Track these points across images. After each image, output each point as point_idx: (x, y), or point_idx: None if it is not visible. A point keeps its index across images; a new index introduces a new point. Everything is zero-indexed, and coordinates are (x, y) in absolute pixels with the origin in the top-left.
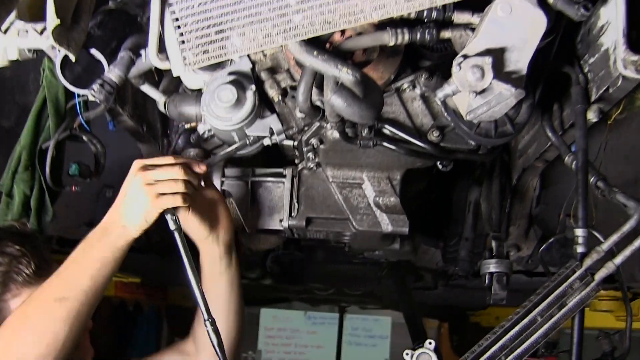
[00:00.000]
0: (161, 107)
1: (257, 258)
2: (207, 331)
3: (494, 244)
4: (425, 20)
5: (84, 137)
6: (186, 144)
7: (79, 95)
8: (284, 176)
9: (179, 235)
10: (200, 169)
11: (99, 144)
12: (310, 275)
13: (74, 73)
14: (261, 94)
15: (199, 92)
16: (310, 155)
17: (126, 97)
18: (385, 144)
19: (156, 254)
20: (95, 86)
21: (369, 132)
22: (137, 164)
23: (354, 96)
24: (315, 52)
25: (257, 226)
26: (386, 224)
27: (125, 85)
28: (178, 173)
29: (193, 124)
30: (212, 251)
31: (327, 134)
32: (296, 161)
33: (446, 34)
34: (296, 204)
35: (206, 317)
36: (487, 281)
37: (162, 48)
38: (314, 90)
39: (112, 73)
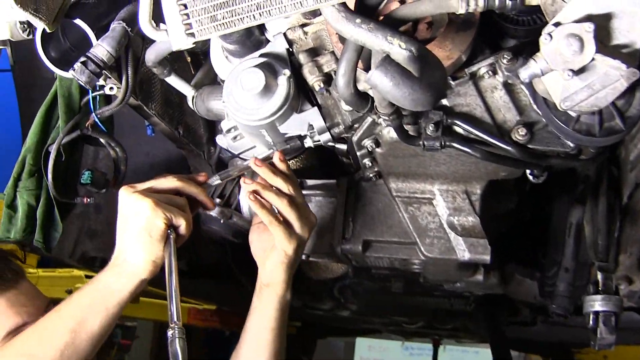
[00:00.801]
0: (190, 103)
1: (324, 287)
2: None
3: (600, 276)
4: None
5: (101, 139)
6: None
7: (94, 89)
8: (337, 189)
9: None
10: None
11: (119, 148)
12: (390, 308)
13: (61, 51)
14: (300, 82)
15: None
16: (367, 161)
17: (152, 92)
18: (456, 145)
19: (210, 278)
20: (77, 64)
21: (435, 129)
22: (127, 188)
23: (404, 72)
24: (357, 20)
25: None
26: (462, 251)
27: (150, 77)
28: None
29: None
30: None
31: (382, 132)
32: (351, 170)
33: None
34: (351, 224)
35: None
36: (591, 322)
37: (159, 15)
38: (361, 73)
39: (99, 49)
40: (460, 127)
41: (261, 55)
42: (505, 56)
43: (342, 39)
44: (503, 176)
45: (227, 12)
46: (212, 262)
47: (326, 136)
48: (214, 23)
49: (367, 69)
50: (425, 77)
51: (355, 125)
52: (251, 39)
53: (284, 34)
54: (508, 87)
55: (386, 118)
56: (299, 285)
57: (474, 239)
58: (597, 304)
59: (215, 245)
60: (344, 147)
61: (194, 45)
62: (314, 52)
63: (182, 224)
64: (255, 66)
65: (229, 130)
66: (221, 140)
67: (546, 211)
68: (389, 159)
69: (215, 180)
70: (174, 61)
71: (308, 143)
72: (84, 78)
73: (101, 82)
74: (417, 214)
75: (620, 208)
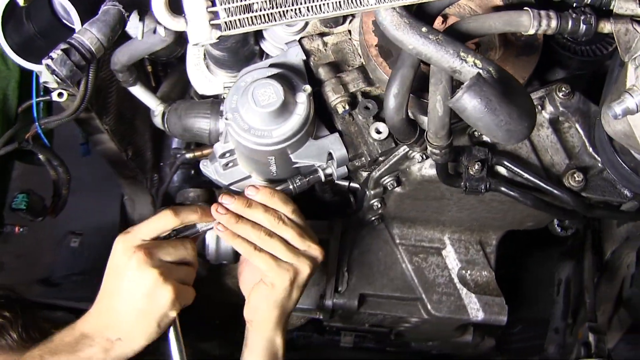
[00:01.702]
0: (158, 120)
1: None
2: None
3: (591, 337)
4: (575, 3)
5: (40, 156)
6: (184, 181)
7: (39, 94)
8: (330, 232)
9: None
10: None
11: (62, 168)
12: None
13: (23, 37)
14: (317, 102)
15: (214, 100)
16: (376, 202)
17: (109, 103)
18: (503, 188)
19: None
20: (56, 52)
21: (480, 168)
22: (127, 239)
23: (502, 96)
24: (424, 29)
25: None
26: (475, 310)
27: (107, 85)
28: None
29: (197, 153)
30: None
31: (410, 169)
32: (348, 210)
33: (606, 26)
34: (346, 274)
35: None
36: None
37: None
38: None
39: (87, 34)
40: (506, 169)
41: (272, 66)
42: (563, 89)
43: (384, 52)
44: (528, 227)
45: (265, 1)
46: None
47: (343, 169)
48: (248, 14)
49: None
50: (517, 103)
51: (381, 159)
52: (245, 47)
53: (300, 42)
54: (555, 125)
55: (436, 152)
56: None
57: (489, 296)
58: None
59: None
60: (344, 184)
61: (218, 40)
62: (336, 68)
63: (189, 302)
64: (271, 77)
65: (223, 155)
66: (207, 168)
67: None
68: (405, 201)
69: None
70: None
71: (322, 176)
72: (65, 71)
73: (52, 84)
74: (423, 266)
75: (601, 264)
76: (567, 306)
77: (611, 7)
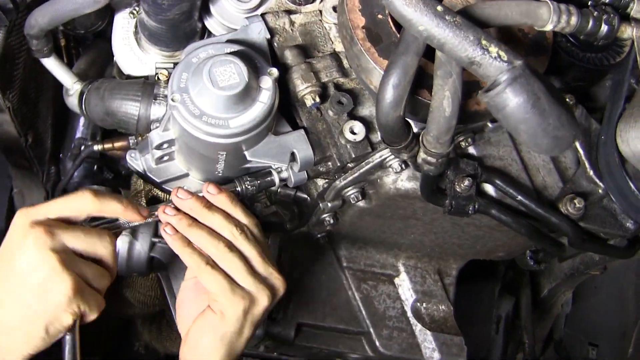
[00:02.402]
0: (72, 101)
1: None
2: None
3: None
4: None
5: None
6: (85, 177)
7: None
8: None
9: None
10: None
11: None
12: None
13: None
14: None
15: (146, 81)
16: (328, 217)
17: (15, 76)
18: (494, 212)
19: None
20: None
21: (469, 186)
22: (29, 213)
23: (552, 94)
24: (439, 8)
25: None
26: (431, 350)
27: (15, 53)
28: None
29: (107, 145)
30: None
31: (383, 180)
32: (287, 225)
33: (627, 30)
34: (283, 299)
35: None
36: None
37: None
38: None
39: None
40: (496, 188)
41: (229, 42)
42: (567, 100)
43: (372, 36)
44: (497, 257)
45: None
46: None
47: (302, 175)
48: None
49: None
50: (564, 106)
51: (350, 165)
52: (187, 22)
53: (263, 18)
54: None
55: (431, 161)
56: None
57: (447, 335)
58: None
59: None
60: (290, 192)
61: None
62: (305, 52)
63: (94, 312)
64: (233, 54)
65: (160, 146)
66: (135, 160)
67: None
68: (364, 218)
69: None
70: None
71: (276, 183)
72: None
73: None
74: (372, 295)
75: (535, 301)
76: (507, 346)
77: (628, 11)
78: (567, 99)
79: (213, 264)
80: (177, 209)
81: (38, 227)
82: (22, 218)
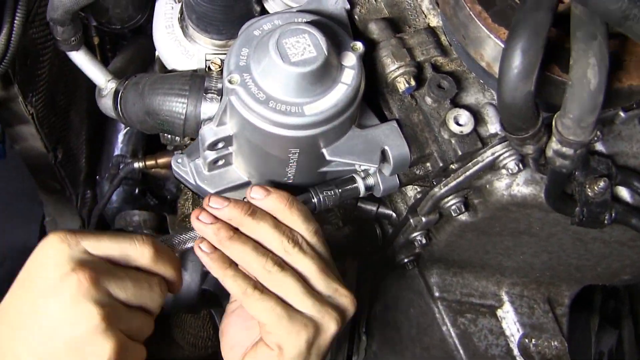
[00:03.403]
0: (107, 103)
1: None
2: None
3: None
4: None
5: None
6: (126, 201)
7: None
8: (342, 277)
9: None
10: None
11: None
12: None
13: None
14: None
15: (194, 74)
16: (419, 237)
17: (39, 75)
18: (635, 221)
19: None
20: None
21: (604, 189)
22: (68, 243)
23: None
24: None
25: None
26: None
27: (39, 48)
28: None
29: (150, 162)
30: None
31: (495, 186)
32: (368, 250)
33: None
34: (364, 338)
35: None
36: None
37: None
38: None
39: None
40: (634, 191)
41: (300, 12)
42: None
43: None
44: (621, 281)
45: None
46: None
47: (394, 181)
48: None
49: None
50: None
51: (453, 167)
52: (243, 2)
53: None
54: None
55: (568, 153)
56: None
57: None
58: None
59: None
60: (371, 207)
61: None
62: (394, 26)
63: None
64: (309, 24)
65: (214, 145)
66: (181, 167)
67: None
68: (466, 235)
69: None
70: None
71: (362, 190)
72: None
73: None
74: (471, 330)
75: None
76: None
77: None
78: None
79: (262, 289)
80: (215, 217)
81: (82, 272)
82: (57, 250)
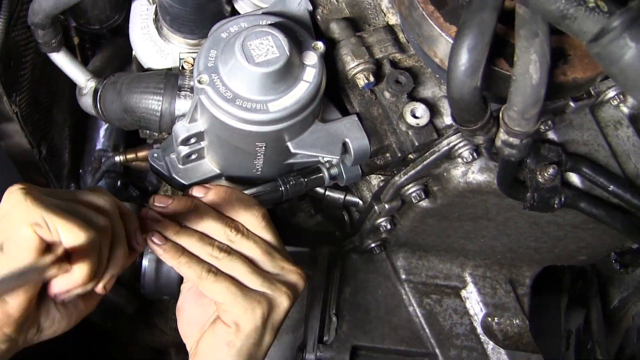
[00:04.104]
0: (87, 101)
1: None
2: None
3: None
4: None
5: None
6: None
7: None
8: (313, 263)
9: None
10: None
11: None
12: None
13: None
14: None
15: (169, 72)
16: (384, 223)
17: (22, 76)
18: (583, 205)
19: None
20: None
21: (554, 175)
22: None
23: None
24: None
25: None
26: None
27: (21, 50)
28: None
29: (130, 156)
30: None
31: (452, 174)
32: (337, 234)
33: None
34: (334, 319)
35: None
36: None
37: None
38: None
39: None
40: (583, 177)
41: (265, 14)
42: None
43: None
44: (578, 262)
45: None
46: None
47: (356, 170)
48: None
49: None
50: None
51: (411, 157)
52: (214, 3)
53: None
54: (636, 125)
55: (514, 143)
56: None
57: (523, 353)
58: None
59: None
60: (339, 195)
61: None
62: (354, 26)
63: (77, 273)
64: (272, 26)
65: (186, 141)
66: (158, 161)
67: None
68: (428, 221)
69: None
70: None
71: (326, 178)
72: None
73: None
74: (437, 310)
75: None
76: None
77: None
78: None
79: (216, 271)
80: (161, 215)
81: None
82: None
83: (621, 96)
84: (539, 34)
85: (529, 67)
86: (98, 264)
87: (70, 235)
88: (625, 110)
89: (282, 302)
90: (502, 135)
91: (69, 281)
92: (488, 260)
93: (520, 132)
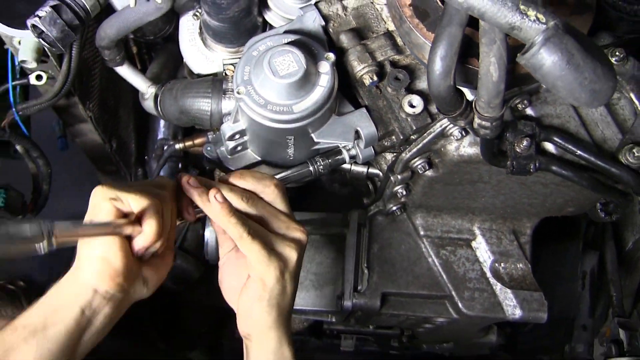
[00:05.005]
0: (149, 104)
1: None
2: None
3: (623, 334)
4: None
5: (18, 147)
6: (172, 176)
7: (15, 77)
8: (345, 225)
9: None
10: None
11: (42, 160)
12: None
13: (13, 9)
14: (338, 73)
15: (215, 78)
16: (400, 189)
17: (92, 87)
18: (555, 168)
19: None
20: (44, 10)
21: (528, 145)
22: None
23: (585, 51)
24: None
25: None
26: (512, 307)
27: (91, 65)
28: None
29: (188, 143)
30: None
31: (446, 148)
32: (365, 200)
33: None
34: (365, 271)
35: None
36: None
37: None
38: None
39: None
40: (555, 145)
41: (287, 33)
42: (616, 54)
43: (419, 13)
44: (568, 212)
45: None
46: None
47: (369, 151)
48: None
49: None
50: (598, 59)
51: (413, 137)
52: (248, 18)
53: (317, 7)
54: None
55: (486, 125)
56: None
57: (526, 292)
58: None
59: None
60: (362, 169)
61: None
62: (360, 35)
63: (148, 229)
64: (290, 44)
65: (232, 137)
66: (211, 153)
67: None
68: (435, 187)
69: None
70: None
71: (346, 158)
72: (55, 32)
73: (30, 63)
74: (451, 260)
75: (619, 256)
76: (594, 300)
77: None
78: (618, 53)
79: (253, 233)
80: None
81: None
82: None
83: None
84: (496, 41)
85: (489, 68)
86: (162, 225)
87: (137, 202)
88: None
89: (292, 255)
90: (476, 119)
91: (143, 239)
92: (492, 215)
93: (489, 117)
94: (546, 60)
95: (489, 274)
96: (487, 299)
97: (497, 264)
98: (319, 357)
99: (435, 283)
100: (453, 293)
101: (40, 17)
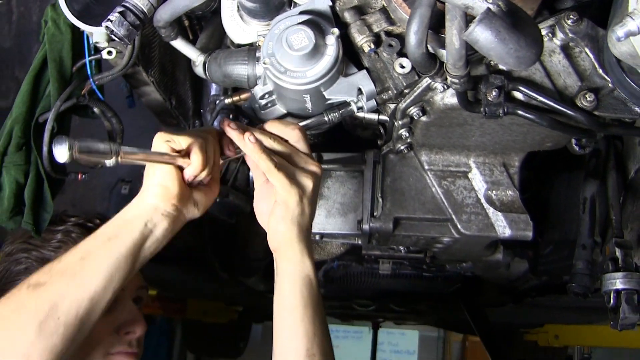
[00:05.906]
0: (199, 70)
1: None
2: None
3: (618, 252)
4: None
5: (96, 109)
6: None
7: (91, 53)
8: (363, 163)
9: None
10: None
11: (115, 119)
12: (366, 291)
13: (82, 4)
14: (344, 43)
15: (250, 48)
16: (403, 132)
17: (152, 57)
18: (520, 112)
19: (177, 264)
20: (114, 15)
21: (498, 94)
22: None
23: (510, 27)
24: None
25: (324, 230)
26: (503, 227)
27: (150, 40)
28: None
29: (235, 98)
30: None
31: (434, 99)
32: (378, 142)
33: None
34: (380, 200)
35: None
36: (612, 301)
37: None
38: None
39: None
40: (522, 93)
41: (301, 13)
42: (571, 17)
43: None
44: (548, 147)
45: None
46: (184, 247)
47: (372, 103)
48: None
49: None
50: (525, 33)
51: (406, 91)
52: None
53: None
54: (566, 51)
55: (456, 81)
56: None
57: (515, 214)
58: (618, 281)
59: (191, 228)
60: (374, 117)
61: None
62: (360, 11)
63: (194, 160)
64: (302, 23)
65: (262, 97)
66: (248, 109)
67: (544, 187)
68: (430, 129)
69: None
70: None
71: (354, 109)
72: (123, 31)
73: (102, 43)
74: (451, 189)
75: (623, 184)
76: (593, 222)
77: None
78: (572, 16)
79: (279, 166)
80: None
81: None
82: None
83: (550, 34)
84: (457, 17)
85: (452, 38)
86: (206, 158)
87: (185, 141)
88: (558, 42)
89: (309, 184)
90: (448, 77)
91: (192, 168)
92: (484, 151)
93: (457, 75)
94: (480, 36)
95: (483, 200)
96: (482, 221)
97: (489, 192)
98: (364, 279)
99: (439, 208)
100: (453, 216)
101: (111, 21)
